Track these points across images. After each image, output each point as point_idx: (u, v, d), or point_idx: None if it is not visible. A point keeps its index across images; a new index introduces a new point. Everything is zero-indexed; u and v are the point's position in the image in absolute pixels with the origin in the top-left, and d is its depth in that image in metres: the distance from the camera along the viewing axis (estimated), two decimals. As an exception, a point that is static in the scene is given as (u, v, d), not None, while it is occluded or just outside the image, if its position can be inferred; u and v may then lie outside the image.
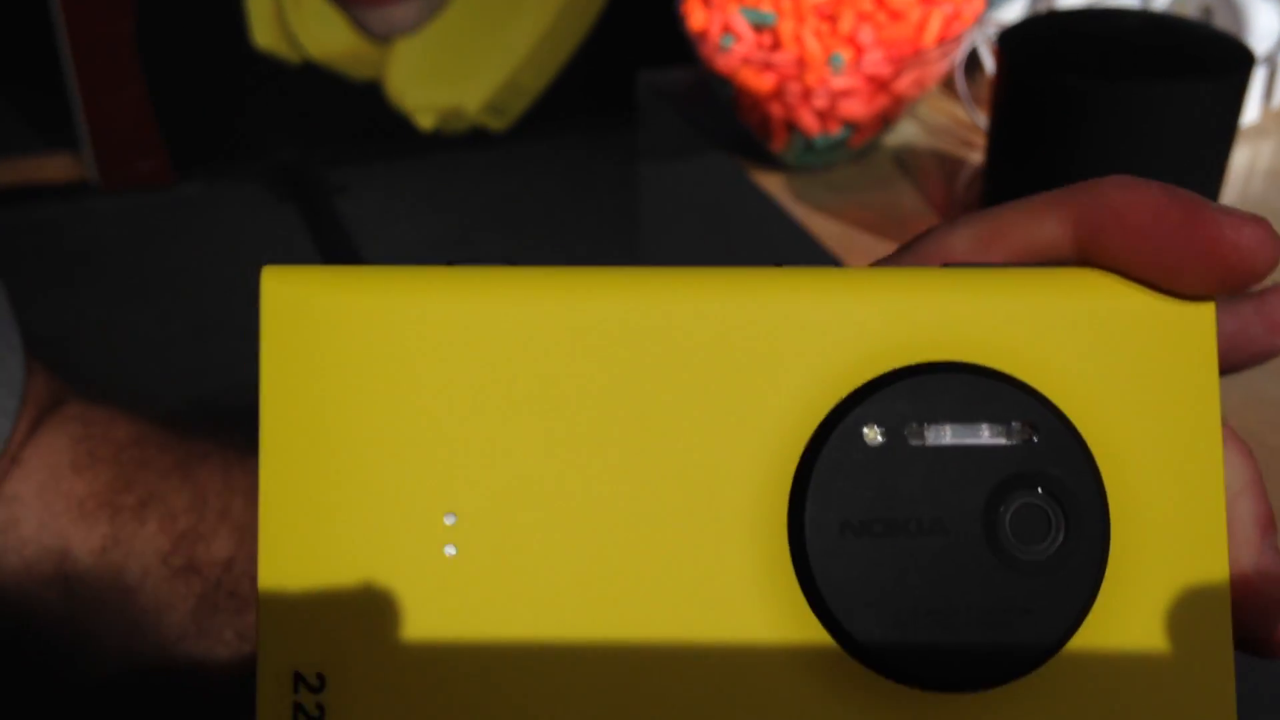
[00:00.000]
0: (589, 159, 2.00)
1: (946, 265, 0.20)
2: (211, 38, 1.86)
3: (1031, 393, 0.19)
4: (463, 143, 2.05)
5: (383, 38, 1.97)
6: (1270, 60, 0.76)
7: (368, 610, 0.18)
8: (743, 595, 0.18)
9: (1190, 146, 0.60)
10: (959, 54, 0.74)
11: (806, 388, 0.19)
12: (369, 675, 0.18)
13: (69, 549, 0.32)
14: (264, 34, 1.89)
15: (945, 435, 0.18)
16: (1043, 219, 0.20)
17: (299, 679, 0.18)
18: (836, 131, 0.73)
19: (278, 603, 0.18)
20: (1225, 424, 0.20)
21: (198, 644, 0.32)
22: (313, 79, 1.95)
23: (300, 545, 0.18)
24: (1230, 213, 0.19)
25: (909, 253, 0.22)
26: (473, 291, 0.19)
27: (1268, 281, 0.21)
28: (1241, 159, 0.74)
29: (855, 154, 0.76)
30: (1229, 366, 0.24)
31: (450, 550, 0.18)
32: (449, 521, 0.18)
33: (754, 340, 0.19)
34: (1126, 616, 0.19)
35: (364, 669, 0.18)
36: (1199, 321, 0.19)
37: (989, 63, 0.78)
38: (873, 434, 0.18)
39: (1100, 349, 0.19)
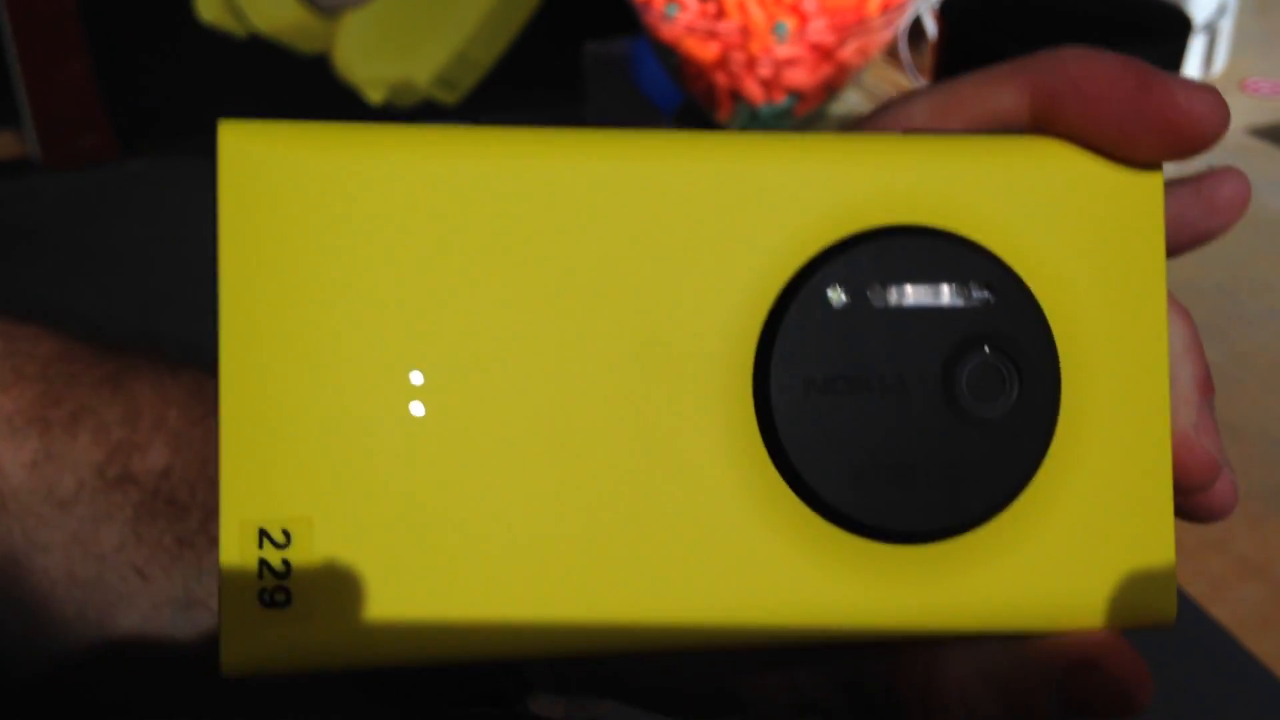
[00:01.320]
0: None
1: (905, 132, 0.20)
2: (156, 11, 1.84)
3: (989, 256, 0.19)
4: (413, 116, 2.04)
5: (330, 11, 1.95)
6: (1210, 28, 0.76)
7: (332, 468, 0.18)
8: (708, 451, 0.19)
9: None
10: (902, 22, 0.75)
11: (772, 249, 0.19)
12: (335, 532, 0.18)
13: (0, 465, 0.32)
14: (209, 8, 1.87)
15: (906, 296, 0.19)
16: (1000, 88, 0.21)
17: (264, 535, 0.18)
18: (781, 100, 0.73)
19: (240, 460, 0.18)
20: (1169, 293, 0.20)
21: (138, 552, 0.32)
22: (259, 53, 1.93)
23: (262, 402, 0.18)
24: (1183, 82, 0.20)
25: (870, 122, 0.23)
26: (438, 149, 0.18)
27: (1201, 163, 0.23)
28: (1181, 126, 0.75)
29: (800, 123, 0.76)
30: (1171, 248, 0.24)
31: (417, 408, 0.18)
32: (416, 380, 0.18)
33: (721, 202, 0.19)
34: (1075, 469, 0.20)
35: (329, 526, 0.18)
36: (1148, 189, 0.20)
37: (932, 31, 0.79)
38: (836, 295, 0.19)
39: (1054, 214, 0.20)
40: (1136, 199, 0.20)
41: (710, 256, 0.19)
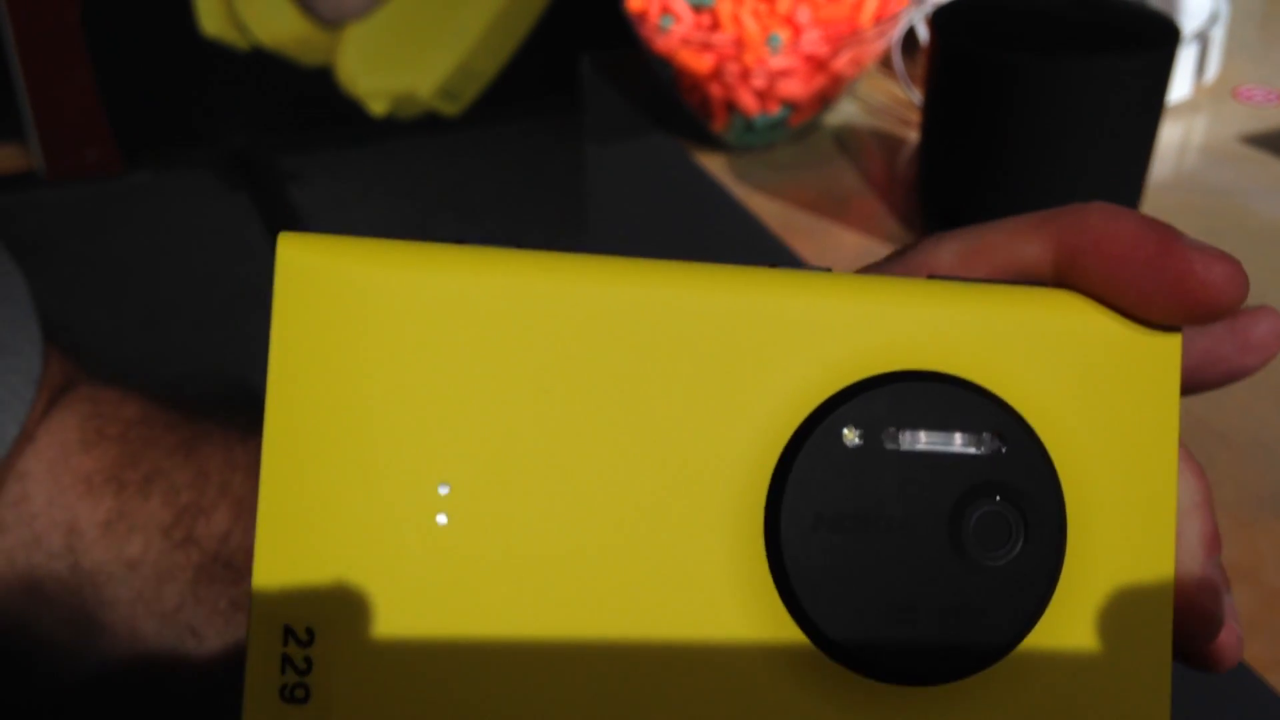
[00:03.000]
0: (544, 142, 2.00)
1: (931, 277, 0.21)
2: (159, 25, 1.85)
3: (1003, 406, 0.20)
4: (416, 128, 2.05)
5: (332, 23, 1.96)
6: (1201, 37, 0.77)
7: (358, 571, 0.19)
8: (718, 584, 0.19)
9: (1119, 121, 0.61)
10: (896, 33, 0.75)
11: (791, 386, 0.19)
12: (356, 633, 0.19)
13: (76, 523, 0.33)
14: (212, 21, 1.88)
15: (919, 441, 0.19)
16: (1026, 239, 0.21)
17: (288, 632, 0.19)
18: (775, 111, 0.73)
19: (272, 558, 0.19)
20: (1181, 446, 0.21)
21: (195, 612, 0.33)
22: (262, 65, 1.94)
23: (297, 505, 0.19)
24: (1203, 249, 0.20)
25: (897, 262, 0.23)
26: (479, 271, 0.19)
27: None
28: (1174, 135, 0.75)
29: (795, 134, 0.76)
30: (1201, 384, 0.24)
31: (442, 519, 0.19)
32: (443, 491, 0.19)
33: (745, 335, 0.19)
34: (1076, 621, 0.20)
35: (351, 627, 0.19)
36: (1165, 351, 0.20)
37: (925, 40, 0.79)
38: (851, 435, 0.19)
39: (1070, 369, 0.20)
40: (1153, 358, 0.20)
41: (731, 388, 0.19)
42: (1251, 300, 0.22)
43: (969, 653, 0.19)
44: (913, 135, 0.77)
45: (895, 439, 0.19)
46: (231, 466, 0.35)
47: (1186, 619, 0.21)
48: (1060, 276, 0.21)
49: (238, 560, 0.34)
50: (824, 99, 0.75)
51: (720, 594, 0.19)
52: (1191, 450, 0.22)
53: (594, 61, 0.89)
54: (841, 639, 0.19)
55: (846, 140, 0.78)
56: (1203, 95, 0.80)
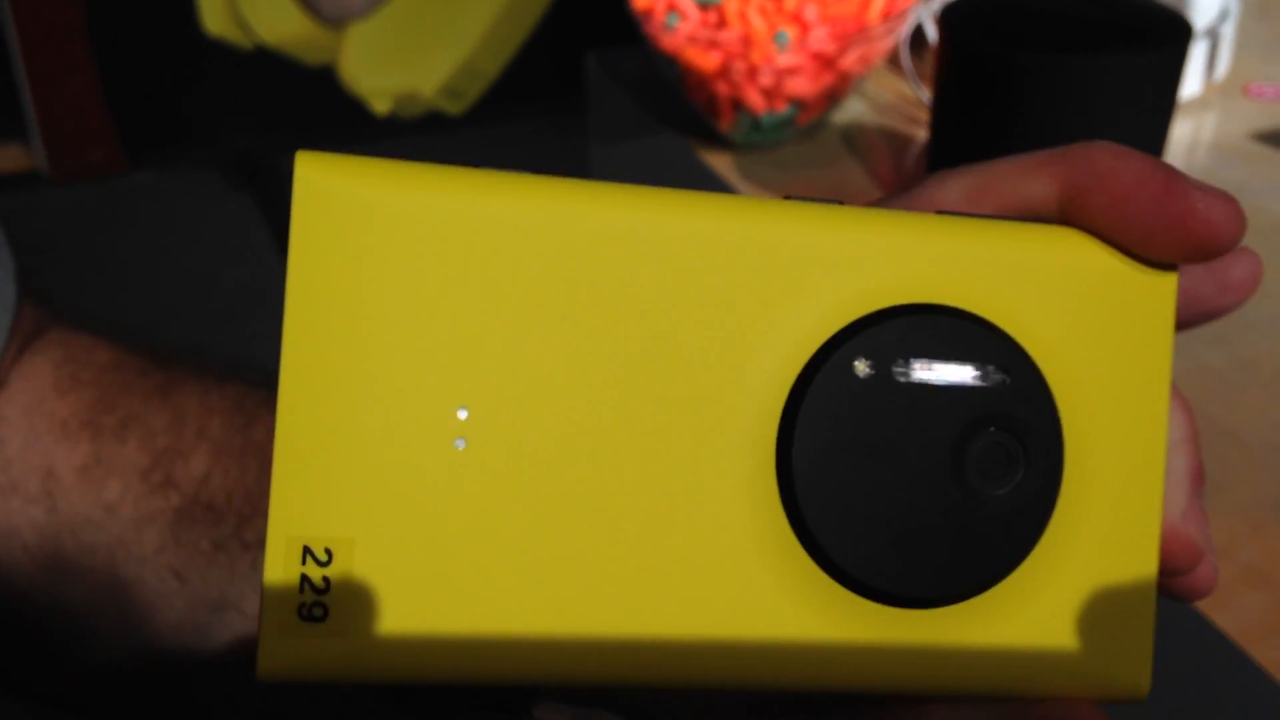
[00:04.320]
0: (548, 141, 1.99)
1: (940, 213, 0.21)
2: (162, 24, 1.84)
3: (1006, 339, 0.20)
4: (419, 127, 2.04)
5: (335, 22, 1.95)
6: (1212, 33, 0.76)
7: (377, 493, 0.19)
8: (731, 510, 0.20)
9: (1130, 118, 0.61)
10: (904, 30, 0.75)
11: (804, 316, 0.20)
12: (374, 554, 0.19)
13: (53, 467, 0.33)
14: (215, 20, 1.88)
15: (928, 373, 0.20)
16: (1032, 177, 0.22)
17: (307, 552, 0.19)
18: (783, 109, 0.73)
19: (290, 480, 0.19)
20: (1172, 384, 0.21)
21: (176, 555, 0.33)
22: (265, 64, 1.94)
23: (315, 426, 0.19)
24: (1205, 189, 0.21)
25: (905, 197, 0.24)
26: (500, 195, 0.19)
27: None
28: (1184, 131, 0.75)
29: (803, 132, 0.76)
30: (1182, 323, 0.25)
31: (460, 443, 0.19)
32: (461, 416, 0.19)
33: (761, 267, 0.20)
34: (1069, 549, 0.21)
35: (370, 548, 0.19)
36: (1162, 288, 0.21)
37: (934, 38, 0.79)
38: (862, 366, 0.20)
39: (1071, 304, 0.21)
40: (1150, 296, 0.21)
41: (747, 316, 0.20)
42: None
43: (966, 578, 0.20)
44: (921, 134, 0.77)
45: (905, 371, 0.20)
46: (208, 410, 0.35)
47: (1171, 548, 0.22)
48: (1064, 213, 0.22)
49: (218, 502, 0.33)
50: (831, 97, 0.74)
51: (733, 520, 0.20)
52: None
53: (599, 60, 0.89)
54: (846, 561, 0.20)
55: (854, 139, 0.77)
56: (1213, 92, 0.79)
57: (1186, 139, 0.74)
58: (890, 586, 0.20)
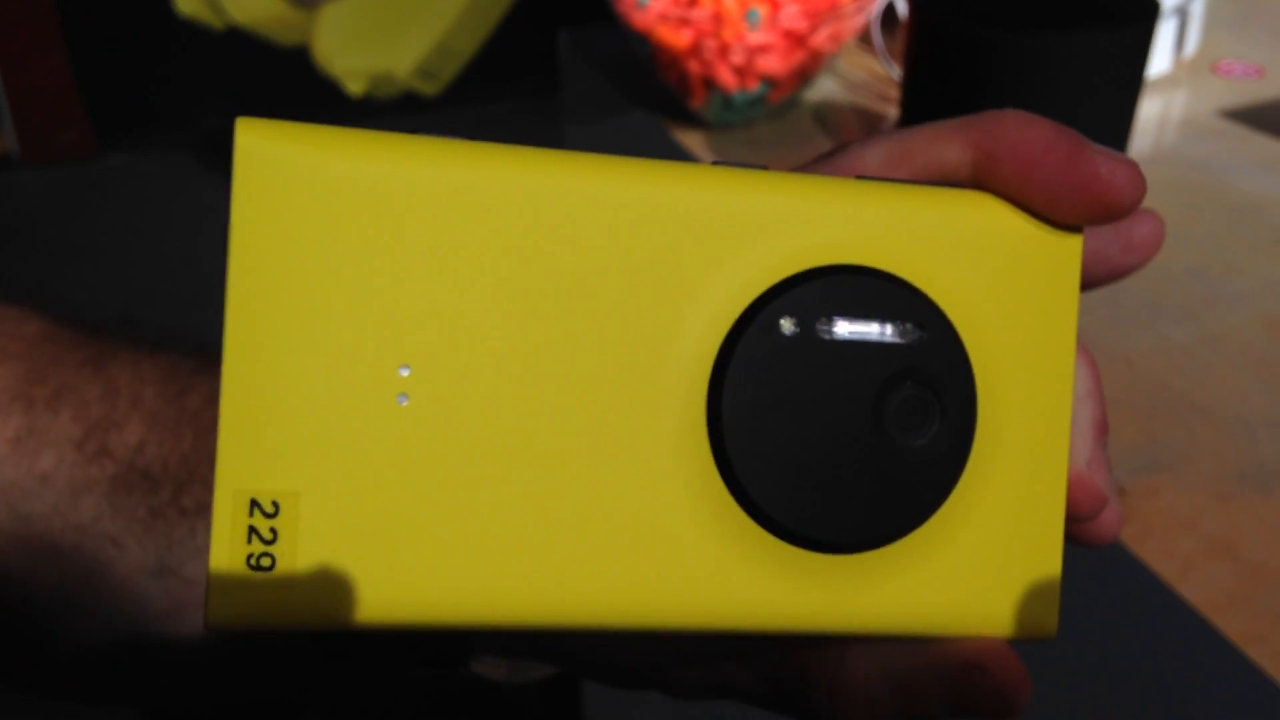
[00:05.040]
0: (523, 121, 1.99)
1: (859, 177, 0.22)
2: (133, 5, 1.83)
3: (923, 299, 0.21)
4: (394, 108, 2.03)
5: (309, 3, 1.94)
6: (1181, 11, 0.77)
7: (323, 447, 0.20)
8: (662, 456, 0.21)
9: (1097, 95, 0.61)
10: (875, 8, 0.75)
11: (733, 277, 0.21)
12: (319, 507, 0.20)
13: None
14: (187, 1, 1.86)
15: (849, 330, 0.21)
16: (947, 143, 0.23)
17: (254, 505, 0.20)
18: (754, 88, 0.73)
19: (237, 435, 0.20)
20: (1079, 339, 0.23)
21: (114, 522, 0.34)
22: (238, 45, 1.93)
23: (260, 383, 0.20)
24: (1107, 154, 0.22)
25: (826, 163, 0.25)
26: (438, 162, 0.20)
27: None
28: (1153, 109, 0.75)
29: (774, 110, 0.76)
30: (1089, 282, 0.27)
31: (403, 400, 0.20)
32: (403, 373, 0.20)
33: (690, 230, 0.21)
34: (982, 497, 0.22)
35: (315, 500, 0.20)
36: (1068, 249, 0.22)
37: (905, 15, 0.79)
38: (788, 324, 0.21)
39: (983, 264, 0.22)
40: (1057, 256, 0.22)
41: (677, 278, 0.21)
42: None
43: (885, 525, 0.21)
44: (892, 111, 0.77)
45: (828, 328, 0.21)
46: (141, 380, 0.35)
47: (1077, 494, 0.23)
48: (977, 178, 0.23)
49: (154, 470, 0.34)
50: (803, 75, 0.74)
51: (665, 471, 0.21)
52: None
53: (571, 38, 0.88)
54: (776, 512, 0.21)
55: (826, 116, 0.77)
56: (1182, 70, 0.80)
57: (1155, 116, 0.75)
58: (815, 533, 0.21)
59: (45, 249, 1.64)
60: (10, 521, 0.34)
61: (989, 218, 0.22)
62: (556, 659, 0.29)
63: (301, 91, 1.98)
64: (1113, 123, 0.62)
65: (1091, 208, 0.21)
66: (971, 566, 0.22)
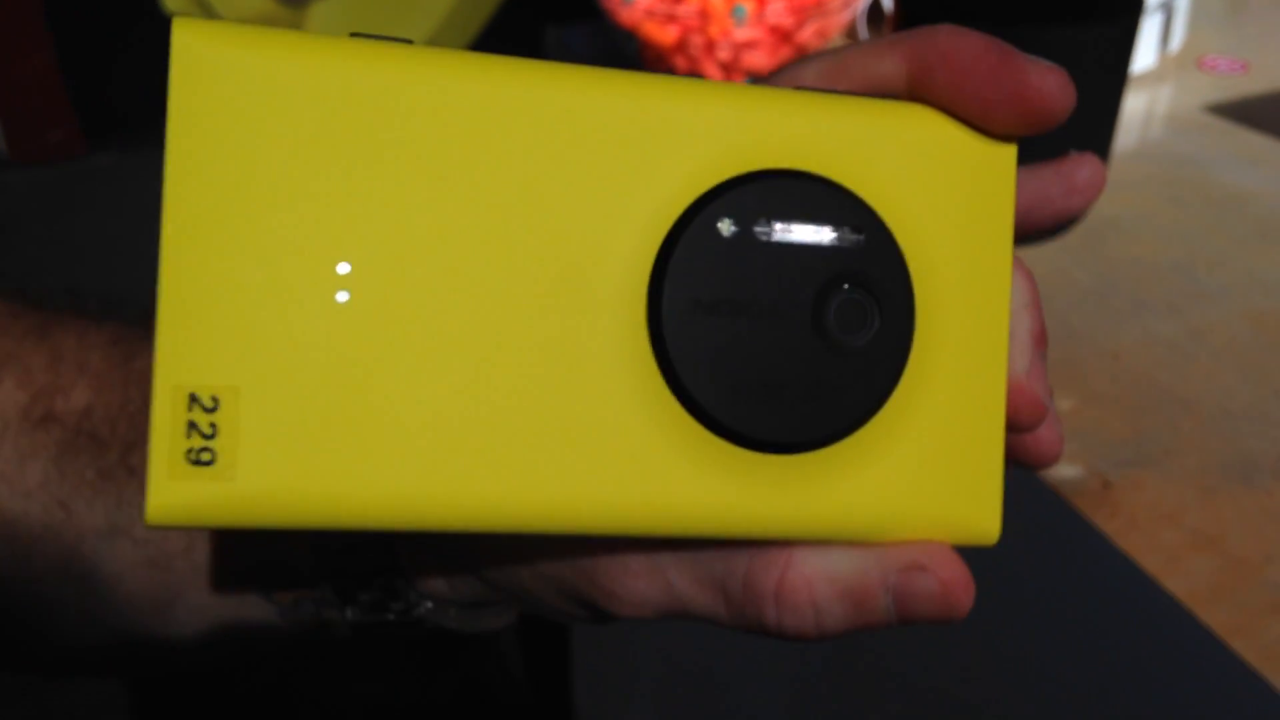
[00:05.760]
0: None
1: (798, 88, 0.22)
2: (121, 3, 1.83)
3: (861, 204, 0.21)
4: (383, 106, 2.03)
5: (297, 1, 1.94)
6: (1166, 7, 0.77)
7: (262, 343, 0.20)
8: (604, 357, 0.21)
9: (1082, 90, 0.61)
10: (861, 3, 0.75)
11: (672, 180, 0.21)
12: (258, 402, 0.20)
13: None
14: (175, -1, 1.86)
15: (788, 232, 0.21)
16: (882, 57, 0.23)
17: (194, 400, 0.20)
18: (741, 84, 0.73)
19: (175, 331, 0.20)
20: (1015, 254, 0.23)
21: (61, 486, 0.34)
22: (227, 44, 1.92)
23: (199, 282, 0.20)
24: (1037, 63, 0.22)
25: (768, 78, 0.25)
26: (376, 63, 0.20)
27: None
28: (1139, 104, 0.75)
29: (762, 106, 0.76)
30: (1033, 225, 0.27)
31: (342, 296, 0.20)
32: (342, 270, 0.20)
33: (630, 134, 0.21)
34: (922, 401, 0.22)
35: (254, 396, 0.20)
36: (1003, 158, 0.22)
37: (890, 10, 0.79)
38: (726, 226, 0.21)
39: (919, 172, 0.22)
40: (992, 166, 0.22)
41: (616, 182, 0.21)
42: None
43: (827, 425, 0.21)
44: (879, 107, 0.77)
45: (767, 230, 0.21)
46: (87, 346, 0.35)
47: (1016, 402, 0.23)
48: (912, 90, 0.23)
49: (101, 432, 0.33)
50: (789, 72, 0.75)
51: (607, 372, 0.21)
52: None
53: (558, 35, 0.88)
54: (715, 410, 0.21)
55: (813, 113, 0.77)
56: (1168, 65, 0.80)
57: (1141, 111, 0.75)
58: (756, 432, 0.21)
59: (32, 246, 1.63)
60: None
61: (925, 128, 0.22)
62: (499, 591, 0.29)
63: (290, 90, 1.97)
64: (1097, 118, 0.63)
65: (1022, 115, 0.22)
66: (913, 470, 0.22)
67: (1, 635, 0.36)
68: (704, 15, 0.70)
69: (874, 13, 0.81)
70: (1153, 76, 0.78)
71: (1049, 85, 0.22)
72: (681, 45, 0.71)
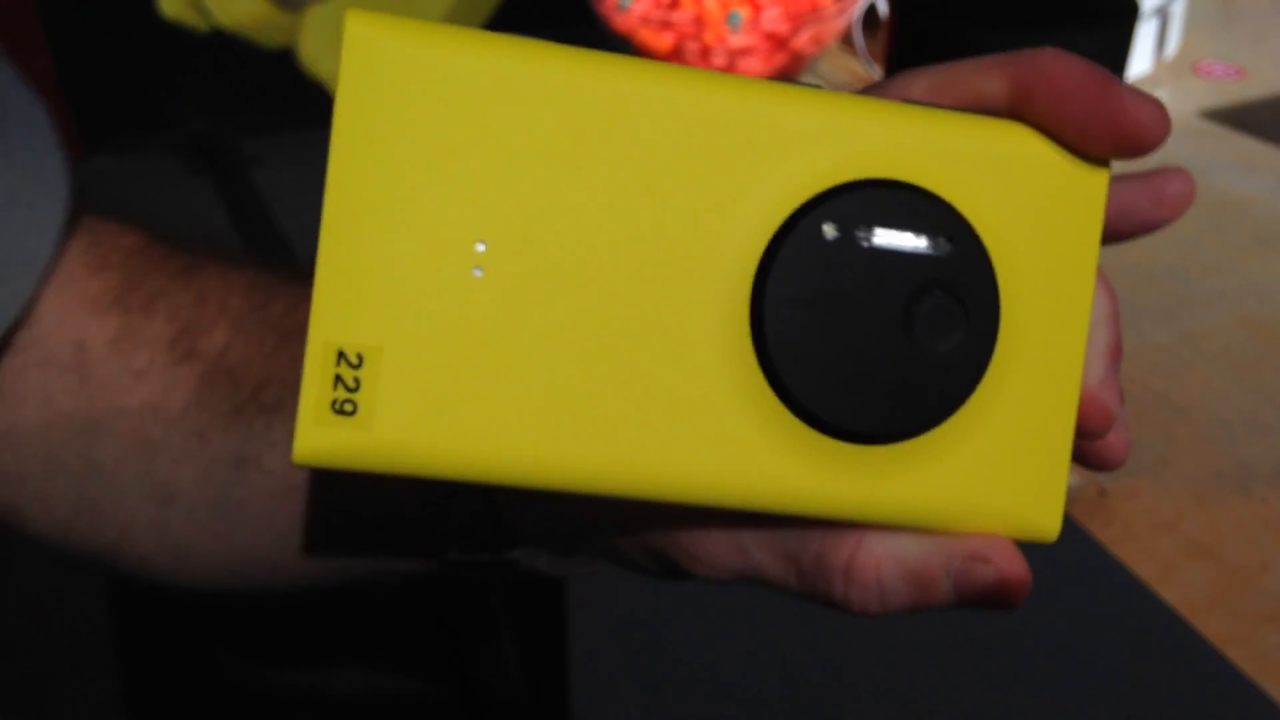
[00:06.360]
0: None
1: (905, 101, 0.24)
2: (117, 8, 1.82)
3: (956, 214, 0.23)
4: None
5: (294, 4, 1.94)
6: (1161, 12, 0.77)
7: (404, 309, 0.22)
8: (708, 345, 0.23)
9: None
10: (857, 10, 0.75)
11: (784, 184, 0.23)
12: (399, 362, 0.22)
13: (85, 339, 0.37)
14: (171, 3, 1.86)
15: (887, 238, 0.23)
16: (987, 76, 0.24)
17: (342, 356, 0.22)
18: (737, 90, 0.73)
19: (330, 293, 0.22)
20: (1099, 268, 0.24)
21: (199, 416, 0.37)
22: (222, 48, 1.92)
23: (353, 251, 0.22)
24: (1135, 91, 0.23)
25: (877, 89, 0.27)
26: (524, 61, 0.22)
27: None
28: (1135, 109, 0.75)
29: (757, 112, 0.76)
30: (1119, 232, 0.29)
31: (478, 272, 0.22)
32: (480, 249, 0.22)
33: (748, 137, 0.23)
34: (999, 403, 0.24)
35: (395, 357, 0.22)
36: (1095, 181, 0.24)
37: (886, 16, 0.79)
38: (830, 229, 0.22)
39: (1014, 189, 0.23)
40: (1084, 186, 0.24)
41: (732, 181, 0.23)
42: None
43: (911, 419, 0.23)
44: (874, 113, 0.77)
45: (867, 235, 0.22)
46: (229, 288, 0.38)
47: (1088, 410, 0.24)
48: (1013, 109, 0.24)
49: (237, 370, 0.37)
50: (785, 77, 0.74)
51: (711, 360, 0.23)
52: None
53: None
54: (810, 402, 0.23)
55: (808, 119, 0.77)
56: (1163, 70, 0.80)
57: (1137, 117, 0.75)
58: (842, 422, 0.23)
59: (29, 253, 1.63)
60: (108, 414, 0.37)
61: (1022, 146, 0.23)
62: (587, 543, 0.31)
63: (287, 93, 1.97)
64: (1093, 124, 0.63)
65: (1117, 140, 0.23)
66: (983, 467, 0.24)
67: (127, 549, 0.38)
68: (699, 22, 0.70)
69: (869, 19, 0.81)
70: (1148, 82, 0.78)
71: (1145, 114, 0.23)
72: (677, 51, 0.71)
